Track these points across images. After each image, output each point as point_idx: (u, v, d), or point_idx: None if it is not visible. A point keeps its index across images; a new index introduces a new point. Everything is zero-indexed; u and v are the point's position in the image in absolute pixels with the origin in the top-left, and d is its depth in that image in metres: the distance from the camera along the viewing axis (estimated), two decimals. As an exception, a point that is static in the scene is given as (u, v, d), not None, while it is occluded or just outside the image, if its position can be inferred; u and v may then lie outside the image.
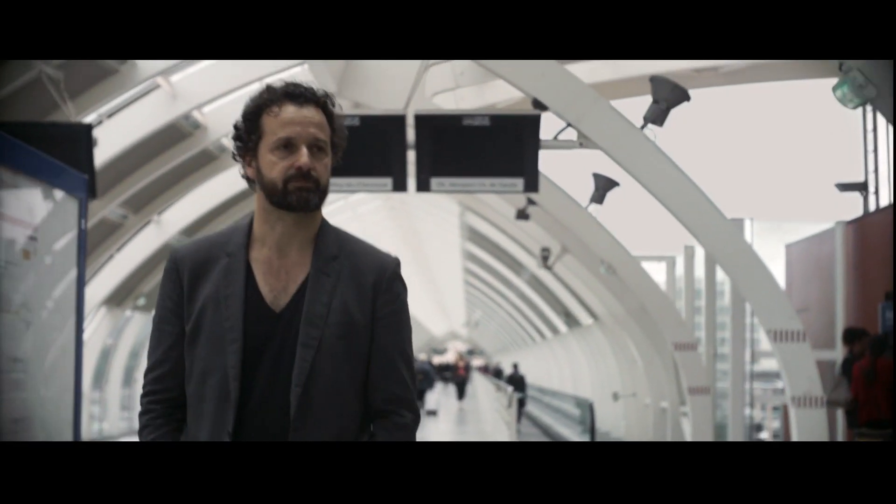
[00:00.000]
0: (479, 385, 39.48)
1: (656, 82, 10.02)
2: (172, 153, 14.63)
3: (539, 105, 10.02)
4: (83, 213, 5.25)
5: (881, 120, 15.17)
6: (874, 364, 10.86)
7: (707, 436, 14.57)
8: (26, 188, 4.60)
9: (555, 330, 30.29)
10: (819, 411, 10.32)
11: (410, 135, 9.53)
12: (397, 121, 9.36)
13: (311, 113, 2.73)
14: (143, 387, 2.82)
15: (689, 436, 15.04)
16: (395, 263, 2.82)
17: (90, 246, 14.98)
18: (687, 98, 10.14)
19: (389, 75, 13.64)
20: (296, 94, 2.73)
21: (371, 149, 9.41)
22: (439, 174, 9.45)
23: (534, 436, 24.94)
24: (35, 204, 4.68)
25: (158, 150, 14.44)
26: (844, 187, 15.87)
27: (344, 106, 15.27)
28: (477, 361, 76.36)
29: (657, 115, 9.91)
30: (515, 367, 29.29)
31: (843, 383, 11.71)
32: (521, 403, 25.09)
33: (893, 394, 11.02)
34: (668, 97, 9.86)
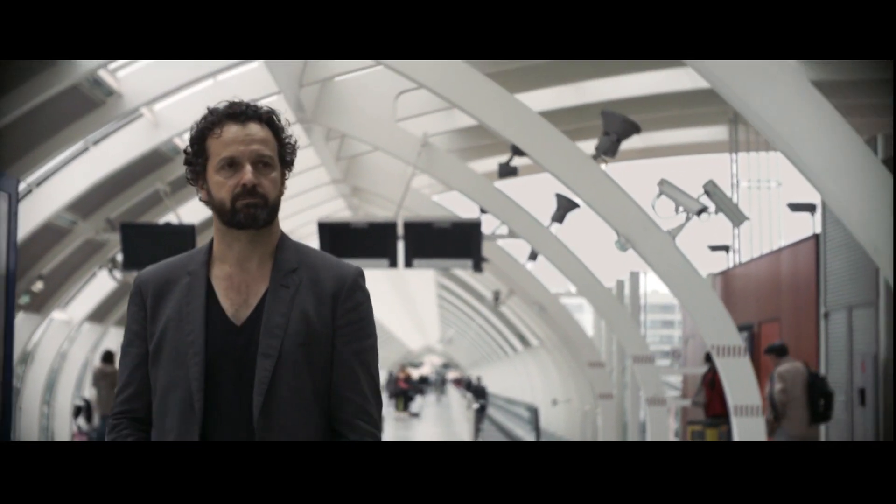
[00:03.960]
0: (453, 395, 45.03)
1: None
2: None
3: (483, 211, 15.61)
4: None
5: (741, 199, 20.76)
6: (714, 375, 16.40)
7: (613, 430, 20.06)
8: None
9: (514, 349, 35.85)
10: (663, 408, 15.82)
11: (400, 231, 14.99)
12: (391, 225, 14.84)
13: (253, 130, 2.74)
14: (112, 409, 2.85)
15: (601, 431, 20.53)
16: (356, 273, 2.82)
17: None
18: (637, 129, 10.91)
19: (385, 169, 19.12)
20: (237, 112, 2.75)
21: (375, 241, 14.85)
22: (418, 257, 14.89)
23: (494, 436, 30.42)
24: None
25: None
26: (714, 248, 21.52)
27: (345, 190, 20.62)
28: (452, 374, 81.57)
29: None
30: (478, 379, 34.85)
31: (701, 391, 17.40)
32: (483, 408, 30.51)
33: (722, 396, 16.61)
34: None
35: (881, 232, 6.24)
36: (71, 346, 19.98)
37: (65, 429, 19.79)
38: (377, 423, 2.81)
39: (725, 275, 20.76)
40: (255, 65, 12.36)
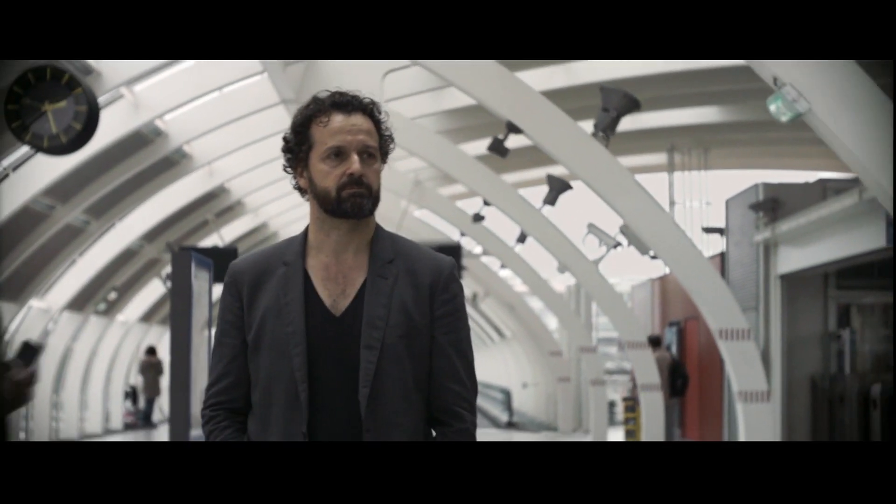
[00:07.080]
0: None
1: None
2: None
3: (463, 234, 20.02)
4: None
5: (675, 215, 25.20)
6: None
7: (570, 407, 24.48)
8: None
9: (492, 339, 40.38)
10: (603, 388, 20.22)
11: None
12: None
13: (359, 120, 2.79)
14: (206, 399, 2.88)
15: (560, 408, 24.92)
16: (452, 265, 2.85)
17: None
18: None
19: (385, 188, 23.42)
20: (343, 102, 2.79)
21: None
22: (412, 272, 19.26)
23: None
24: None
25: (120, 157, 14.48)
26: (653, 257, 26.04)
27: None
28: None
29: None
30: (460, 366, 39.35)
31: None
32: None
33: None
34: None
35: (702, 278, 10.63)
36: (122, 343, 24.30)
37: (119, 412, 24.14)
38: (475, 409, 2.86)
39: (662, 280, 25.19)
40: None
